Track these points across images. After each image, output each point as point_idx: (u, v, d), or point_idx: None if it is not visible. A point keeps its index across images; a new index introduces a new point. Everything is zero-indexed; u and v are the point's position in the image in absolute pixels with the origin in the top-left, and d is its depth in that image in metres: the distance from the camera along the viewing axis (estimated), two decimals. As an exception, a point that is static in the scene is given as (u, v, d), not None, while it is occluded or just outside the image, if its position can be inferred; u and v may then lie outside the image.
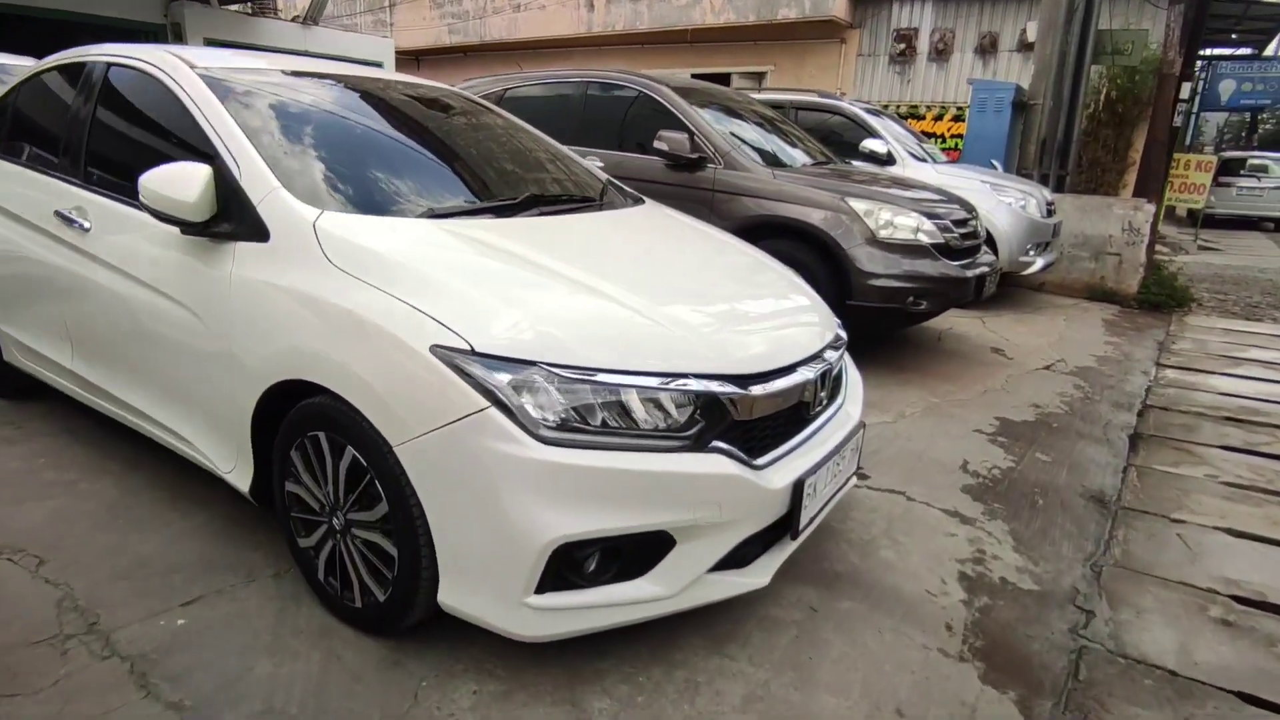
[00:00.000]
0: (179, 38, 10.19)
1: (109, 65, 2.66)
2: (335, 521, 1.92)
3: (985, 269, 4.60)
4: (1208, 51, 16.61)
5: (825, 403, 2.16)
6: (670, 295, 2.04)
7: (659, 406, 1.70)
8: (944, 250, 4.35)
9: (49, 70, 2.95)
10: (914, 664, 1.96)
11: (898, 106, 11.98)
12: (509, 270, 1.93)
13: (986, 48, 12.12)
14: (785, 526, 1.92)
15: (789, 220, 4.32)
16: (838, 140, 6.60)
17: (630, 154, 4.78)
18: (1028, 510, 2.85)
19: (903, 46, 12.70)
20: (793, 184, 4.40)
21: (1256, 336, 5.99)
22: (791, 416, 1.99)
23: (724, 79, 13.04)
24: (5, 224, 2.85)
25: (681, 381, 1.72)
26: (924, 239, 4.28)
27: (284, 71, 2.66)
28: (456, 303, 1.73)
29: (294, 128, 2.35)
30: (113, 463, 2.79)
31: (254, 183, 2.06)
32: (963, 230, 4.56)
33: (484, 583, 1.67)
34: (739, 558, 1.86)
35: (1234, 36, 15.38)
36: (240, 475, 2.15)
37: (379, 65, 12.46)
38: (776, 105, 6.40)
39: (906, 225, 4.26)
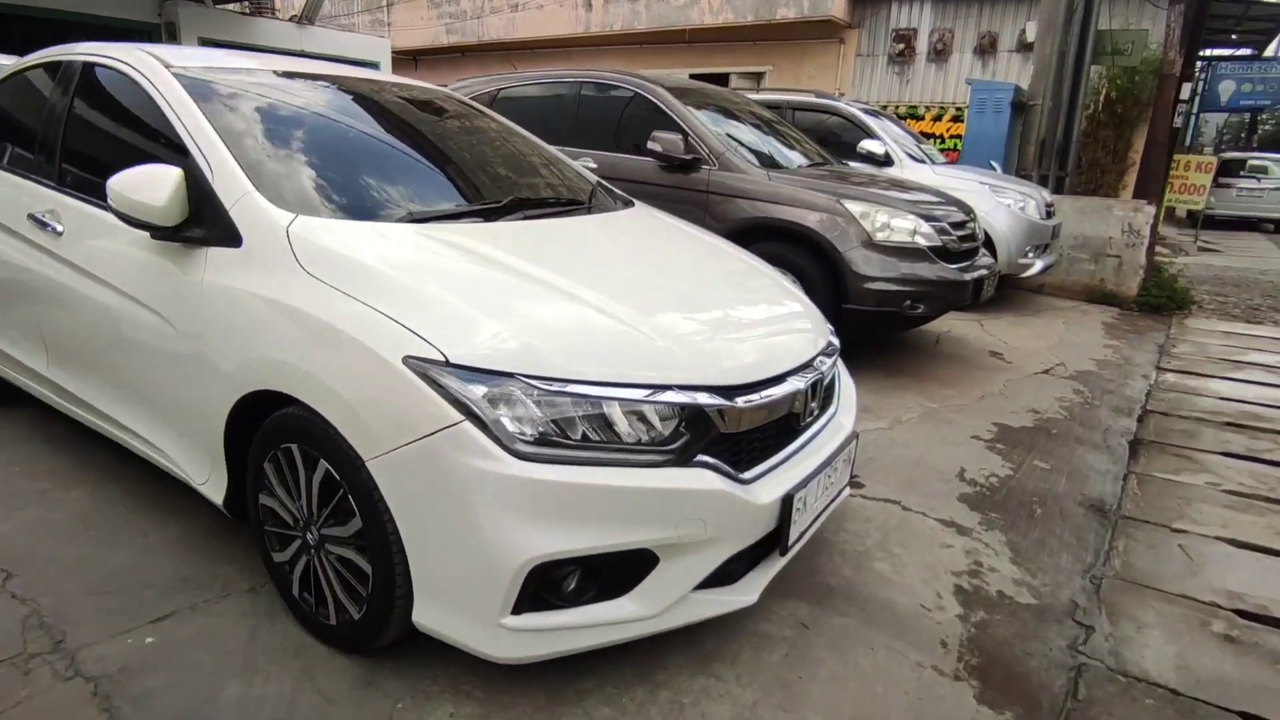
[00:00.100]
0: (174, 37, 10.14)
1: (85, 64, 2.59)
2: (309, 536, 1.86)
3: (983, 271, 4.54)
4: (1208, 52, 16.58)
5: (816, 413, 2.09)
6: (656, 302, 1.98)
7: (642, 419, 1.64)
8: (941, 253, 4.29)
9: (28, 69, 2.88)
10: (908, 683, 1.90)
11: (896, 107, 11.93)
12: (488, 277, 1.86)
13: (986, 48, 12.06)
14: (774, 542, 1.86)
15: (784, 222, 4.26)
16: (835, 141, 6.55)
17: (625, 155, 4.72)
18: (1026, 520, 2.79)
19: (901, 47, 12.64)
20: (788, 186, 4.33)
21: (1257, 339, 5.93)
22: (781, 428, 1.92)
23: (722, 79, 13.00)
24: (-20, 228, 2.79)
25: (666, 393, 1.66)
26: (921, 241, 4.22)
27: (269, 72, 2.59)
28: (431, 311, 1.67)
29: (272, 130, 2.29)
30: (88, 472, 2.72)
31: (226, 186, 2.00)
32: (961, 232, 4.50)
33: (459, 603, 1.61)
34: (725, 575, 1.79)
35: (1234, 37, 15.33)
36: (214, 487, 2.09)
37: (375, 65, 12.41)
38: (773, 106, 6.34)
39: (903, 228, 4.20)
